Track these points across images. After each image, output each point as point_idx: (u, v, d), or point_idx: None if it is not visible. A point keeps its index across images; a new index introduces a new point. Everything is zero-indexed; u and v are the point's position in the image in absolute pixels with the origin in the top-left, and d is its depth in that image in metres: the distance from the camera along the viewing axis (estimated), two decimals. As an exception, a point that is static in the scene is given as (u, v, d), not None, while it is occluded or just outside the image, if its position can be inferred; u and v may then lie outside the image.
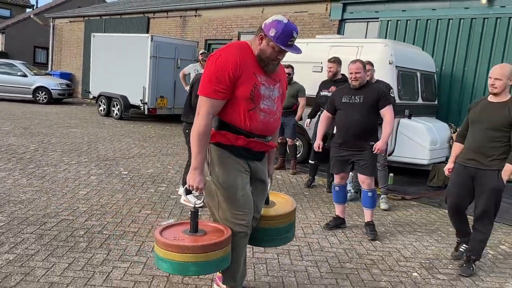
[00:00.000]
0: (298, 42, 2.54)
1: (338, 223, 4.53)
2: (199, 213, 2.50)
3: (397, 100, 6.10)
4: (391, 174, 6.76)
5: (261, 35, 2.40)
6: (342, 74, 6.01)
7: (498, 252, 4.27)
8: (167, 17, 14.20)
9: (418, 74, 7.34)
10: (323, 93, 6.10)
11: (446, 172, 3.91)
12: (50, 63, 19.52)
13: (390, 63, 6.66)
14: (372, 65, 5.36)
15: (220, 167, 2.50)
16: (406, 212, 5.37)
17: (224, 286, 2.73)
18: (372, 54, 6.57)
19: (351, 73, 4.22)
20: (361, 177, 4.32)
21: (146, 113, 11.44)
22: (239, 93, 2.39)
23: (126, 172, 6.17)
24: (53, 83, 14.95)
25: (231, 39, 12.09)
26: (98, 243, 3.67)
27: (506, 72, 3.49)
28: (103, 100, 12.50)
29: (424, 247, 4.23)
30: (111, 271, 3.19)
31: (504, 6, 7.88)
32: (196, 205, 2.43)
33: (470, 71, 8.21)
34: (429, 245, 4.30)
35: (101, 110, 12.62)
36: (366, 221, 4.43)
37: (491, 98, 3.65)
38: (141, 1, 17.58)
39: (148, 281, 3.09)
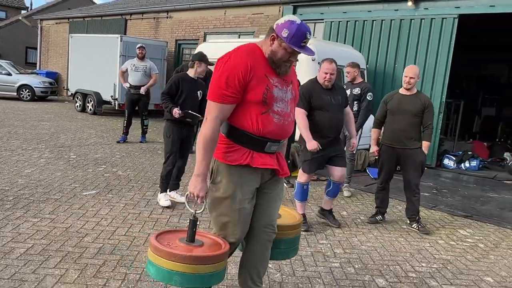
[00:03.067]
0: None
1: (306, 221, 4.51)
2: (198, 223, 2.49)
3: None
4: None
5: (272, 35, 2.31)
6: None
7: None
8: (142, 18, 15.06)
9: (345, 69, 8.13)
10: None
11: (376, 153, 4.92)
12: (38, 62, 20.39)
13: (313, 60, 7.45)
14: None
15: (224, 177, 2.39)
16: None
17: None
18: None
19: (326, 73, 4.24)
20: (339, 170, 4.41)
21: (116, 108, 12.28)
22: (250, 97, 2.30)
23: (75, 157, 7.00)
24: (36, 81, 15.84)
25: (198, 39, 12.93)
26: (21, 205, 4.50)
27: (417, 72, 4.64)
28: (79, 97, 13.36)
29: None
30: (22, 224, 4.01)
31: (427, 8, 8.68)
32: (196, 214, 2.35)
33: (399, 67, 9.00)
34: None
35: (77, 106, 13.47)
36: (329, 209, 4.69)
37: (403, 92, 4.73)
38: (120, 4, 18.42)
39: (49, 231, 3.91)
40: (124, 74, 8.48)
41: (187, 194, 2.36)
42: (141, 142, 8.73)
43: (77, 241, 3.74)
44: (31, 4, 32.37)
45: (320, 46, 7.74)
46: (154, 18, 14.60)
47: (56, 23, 19.25)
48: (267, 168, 2.43)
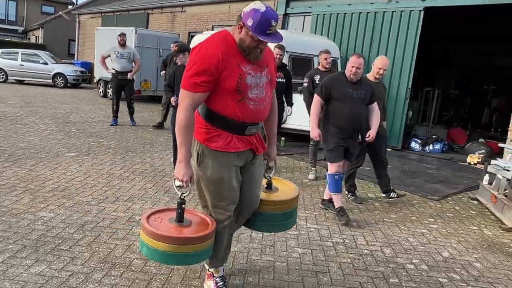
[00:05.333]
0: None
1: (345, 213, 4.54)
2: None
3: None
4: (282, 138, 8.52)
5: (240, 24, 2.33)
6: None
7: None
8: (161, 12, 16.39)
9: (316, 58, 8.96)
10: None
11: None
12: (75, 53, 22.33)
13: (280, 48, 8.34)
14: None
15: (210, 159, 2.50)
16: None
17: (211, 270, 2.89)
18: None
19: (353, 66, 4.32)
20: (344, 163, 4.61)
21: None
22: (225, 86, 2.36)
23: (75, 130, 8.34)
24: (69, 70, 17.62)
25: (207, 32, 14.06)
26: (12, 159, 5.81)
27: (388, 63, 5.04)
28: (101, 83, 14.88)
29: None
30: (6, 171, 5.30)
31: (398, 1, 9.33)
32: (182, 197, 2.46)
33: (373, 56, 9.68)
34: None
35: (100, 92, 15.02)
36: (329, 199, 4.76)
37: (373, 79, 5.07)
38: (145, -1, 19.90)
39: (23, 176, 5.17)
40: (105, 60, 8.98)
41: (175, 179, 2.49)
42: (132, 125, 9.29)
43: (40, 182, 4.97)
44: (76, 0, 34.77)
45: (289, 37, 8.64)
46: (171, 12, 15.89)
47: (91, 17, 21.04)
48: (247, 149, 2.57)
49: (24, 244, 3.39)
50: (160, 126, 9.35)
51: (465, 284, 3.43)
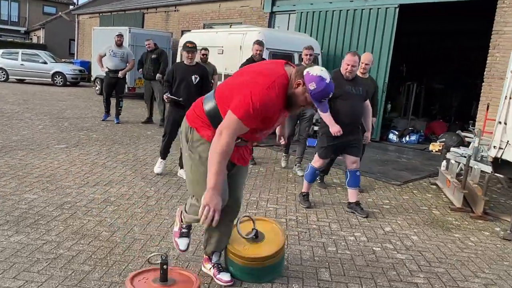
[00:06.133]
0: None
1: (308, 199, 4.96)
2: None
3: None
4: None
5: (299, 82, 2.40)
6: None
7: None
8: (156, 12, 16.88)
9: (296, 54, 9.41)
10: None
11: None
12: (75, 53, 22.88)
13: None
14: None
15: (204, 144, 2.59)
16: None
17: (209, 266, 3.09)
18: (251, 39, 8.76)
19: (348, 64, 4.48)
20: (351, 158, 4.72)
21: (126, 91, 14.15)
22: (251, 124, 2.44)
23: (67, 125, 8.83)
24: (67, 69, 18.15)
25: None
26: (4, 151, 6.30)
27: (371, 58, 5.28)
28: (98, 81, 15.38)
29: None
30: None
31: (375, 0, 9.74)
32: (163, 257, 2.51)
33: (353, 52, 10.12)
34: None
35: (96, 89, 15.53)
36: (355, 201, 4.80)
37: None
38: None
39: (13, 164, 5.65)
40: (101, 59, 9.29)
41: (201, 208, 2.32)
42: (117, 123, 9.38)
43: (29, 170, 5.45)
44: (77, 0, 35.33)
45: (270, 34, 9.09)
46: (165, 11, 16.37)
47: (90, 17, 21.56)
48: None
49: (7, 219, 3.87)
50: (148, 121, 9.83)
51: (396, 252, 3.88)
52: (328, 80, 2.37)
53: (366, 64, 5.18)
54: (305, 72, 2.38)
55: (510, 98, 5.06)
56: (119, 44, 9.39)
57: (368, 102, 4.80)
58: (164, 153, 5.78)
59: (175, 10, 15.81)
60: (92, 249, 3.44)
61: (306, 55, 6.30)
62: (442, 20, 11.34)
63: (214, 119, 2.55)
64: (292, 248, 3.77)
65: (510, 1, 7.71)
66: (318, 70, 2.39)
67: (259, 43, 6.91)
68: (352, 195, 4.82)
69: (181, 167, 5.61)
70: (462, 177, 5.72)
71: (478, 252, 4.04)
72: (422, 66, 14.40)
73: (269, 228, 3.24)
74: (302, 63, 6.87)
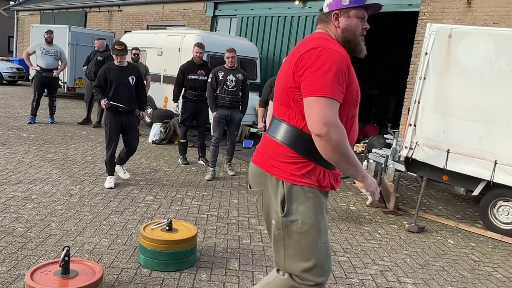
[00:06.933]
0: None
1: None
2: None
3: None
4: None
5: (335, 13, 1.95)
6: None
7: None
8: (99, 11, 16.60)
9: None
10: (192, 77, 6.71)
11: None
12: (14, 50, 21.97)
13: (199, 48, 8.95)
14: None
15: (300, 204, 1.91)
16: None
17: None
18: (190, 41, 8.89)
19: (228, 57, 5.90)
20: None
21: (65, 91, 13.84)
22: (346, 97, 1.86)
23: (-3, 124, 8.56)
24: (4, 67, 17.42)
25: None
26: None
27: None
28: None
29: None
30: None
31: (310, 7, 10.17)
32: (66, 250, 2.56)
33: (290, 57, 10.49)
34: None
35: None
36: None
37: None
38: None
39: None
40: (29, 57, 8.88)
41: (371, 196, 2.00)
42: (51, 123, 9.16)
43: None
44: (18, -4, 33.85)
45: (208, 37, 9.25)
46: (108, 11, 16.14)
47: (30, 15, 20.82)
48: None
49: None
50: (86, 122, 9.65)
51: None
52: None
53: None
54: (328, 6, 1.99)
55: (418, 102, 5.54)
56: (50, 42, 9.05)
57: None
58: (111, 167, 5.27)
59: (118, 10, 15.63)
60: (4, 244, 3.44)
61: (228, 57, 6.25)
62: (376, 28, 11.97)
63: (299, 139, 1.91)
64: (208, 241, 3.94)
65: (430, 14, 8.32)
66: None
67: (199, 45, 7.03)
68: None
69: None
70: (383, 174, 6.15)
71: (382, 242, 4.39)
72: (359, 72, 15.05)
73: (184, 226, 3.57)
74: (225, 65, 6.43)
